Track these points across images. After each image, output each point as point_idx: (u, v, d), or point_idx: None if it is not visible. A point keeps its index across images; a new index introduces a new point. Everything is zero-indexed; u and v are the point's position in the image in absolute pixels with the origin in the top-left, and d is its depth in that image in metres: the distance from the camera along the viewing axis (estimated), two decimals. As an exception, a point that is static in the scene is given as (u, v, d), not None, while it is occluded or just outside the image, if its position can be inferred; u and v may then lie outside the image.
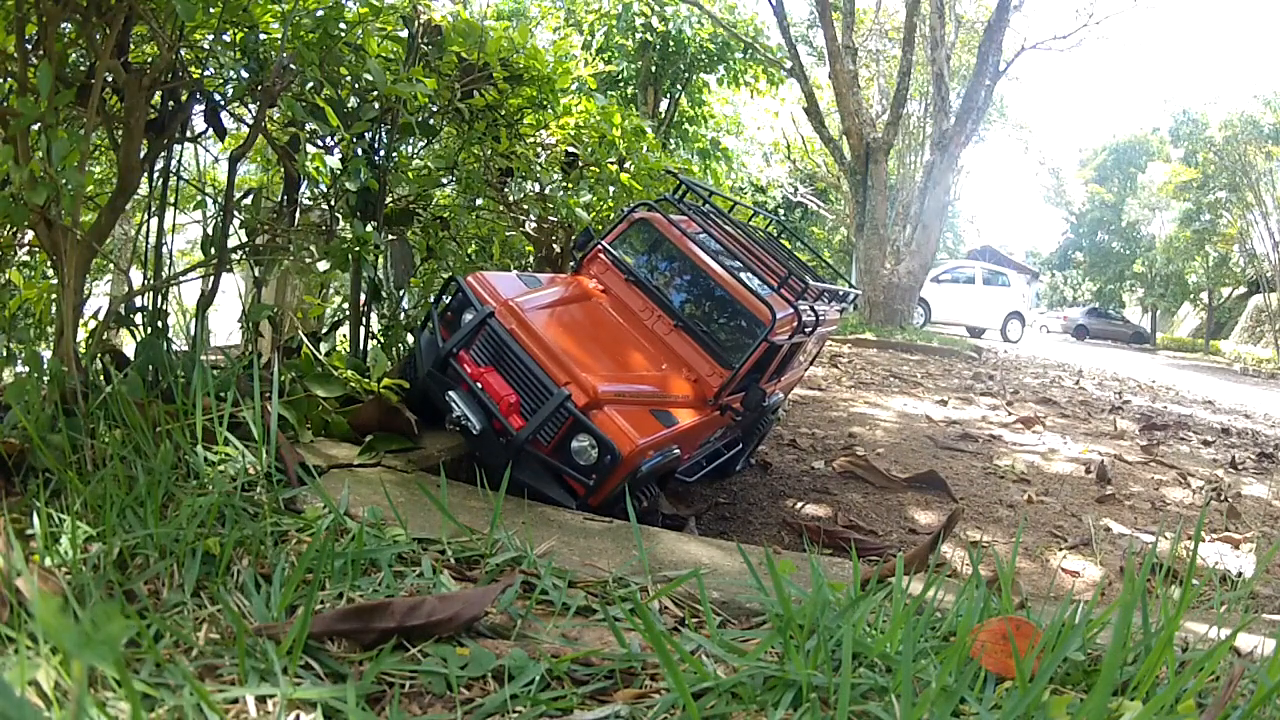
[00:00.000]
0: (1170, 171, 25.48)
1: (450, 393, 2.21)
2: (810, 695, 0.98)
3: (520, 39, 3.05)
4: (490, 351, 2.28)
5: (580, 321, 2.52)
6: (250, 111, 2.52)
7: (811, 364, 3.77)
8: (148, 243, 2.30)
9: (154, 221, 2.30)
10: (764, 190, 20.33)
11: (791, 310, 2.69)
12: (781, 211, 21.12)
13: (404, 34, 2.71)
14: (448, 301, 2.46)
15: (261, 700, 0.92)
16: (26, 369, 1.79)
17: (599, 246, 2.82)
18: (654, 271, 2.82)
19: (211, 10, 2.06)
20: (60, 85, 1.75)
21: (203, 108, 2.28)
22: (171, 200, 2.36)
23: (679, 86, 12.79)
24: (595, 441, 2.10)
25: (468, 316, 2.36)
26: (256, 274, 2.56)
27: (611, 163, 3.79)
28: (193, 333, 2.19)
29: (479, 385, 2.20)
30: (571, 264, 2.94)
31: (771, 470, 3.45)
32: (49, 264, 2.08)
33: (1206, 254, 25.43)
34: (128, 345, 2.26)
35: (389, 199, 2.98)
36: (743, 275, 2.81)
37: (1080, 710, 0.78)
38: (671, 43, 11.91)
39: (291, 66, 2.21)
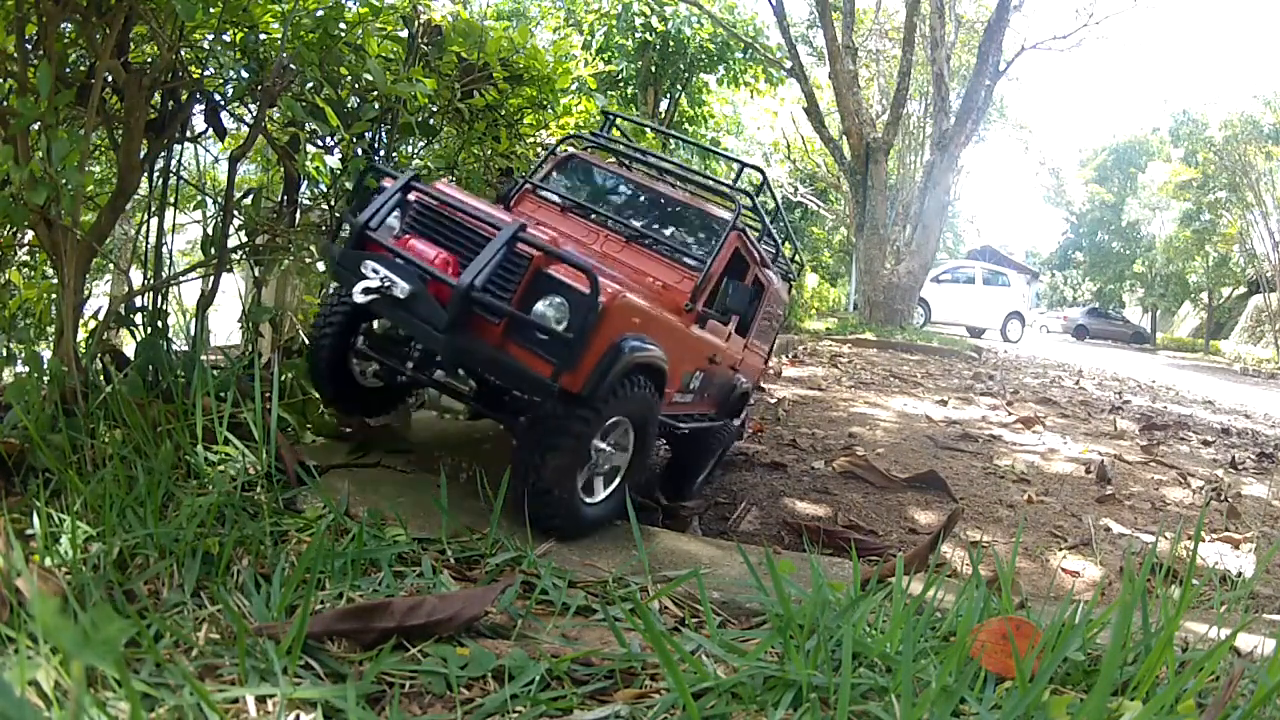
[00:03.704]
0: (1170, 171, 25.48)
1: (366, 261, 1.76)
2: (810, 695, 0.98)
3: (520, 39, 3.05)
4: (415, 220, 1.91)
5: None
6: (250, 111, 2.52)
7: (770, 352, 3.49)
8: (148, 243, 2.30)
9: (154, 221, 2.30)
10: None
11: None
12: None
13: (404, 34, 2.71)
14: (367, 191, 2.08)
15: (261, 700, 0.92)
16: (26, 369, 1.79)
17: (527, 186, 2.51)
18: (593, 198, 2.52)
19: (211, 10, 2.06)
20: (60, 85, 1.75)
21: (203, 108, 2.28)
22: (171, 200, 2.36)
23: (679, 86, 12.79)
24: (565, 298, 1.66)
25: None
26: (256, 274, 2.56)
27: (611, 163, 3.79)
28: (193, 333, 2.19)
29: (403, 251, 1.77)
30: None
31: (773, 470, 3.45)
32: (49, 264, 2.08)
33: (1206, 254, 25.44)
34: (128, 345, 2.26)
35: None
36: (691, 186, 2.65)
37: (1080, 710, 0.78)
38: (671, 43, 11.91)
39: (291, 66, 2.21)
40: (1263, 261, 22.75)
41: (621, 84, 12.18)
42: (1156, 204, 29.51)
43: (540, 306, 1.68)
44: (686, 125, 13.42)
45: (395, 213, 1.92)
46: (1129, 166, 32.13)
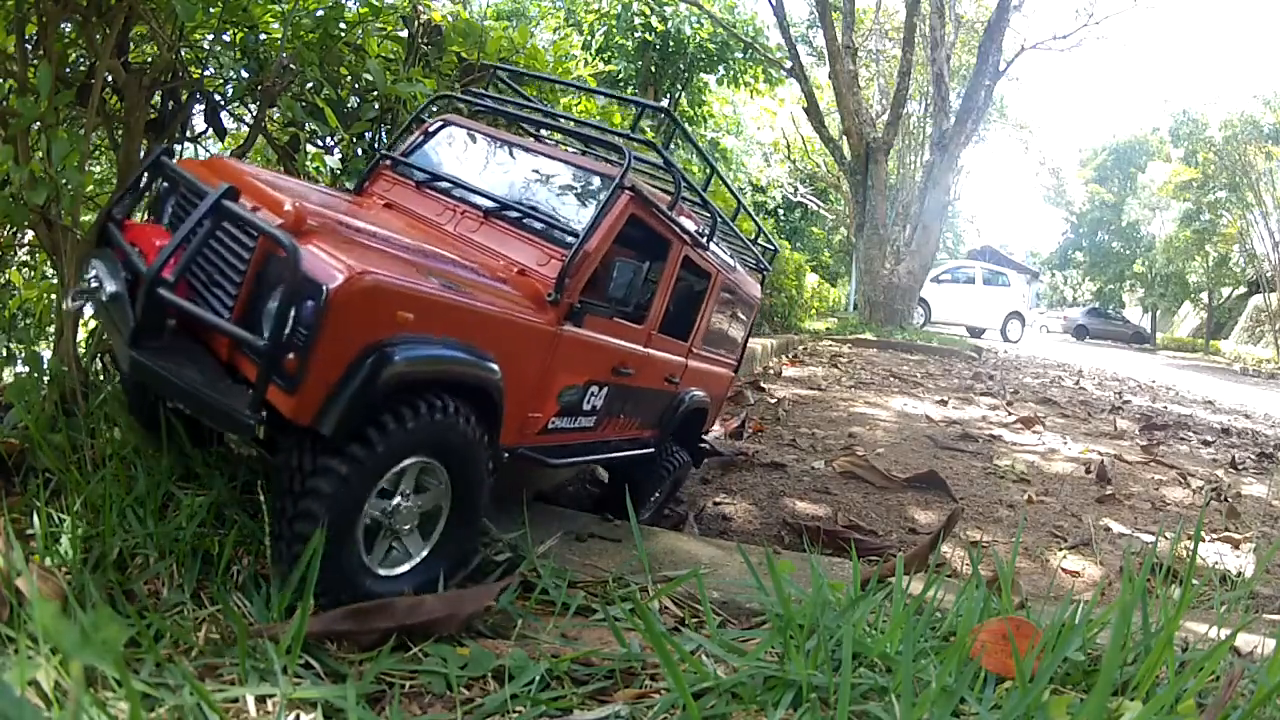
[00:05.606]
0: (1170, 171, 25.49)
1: (91, 260, 1.44)
2: (810, 695, 0.98)
3: (520, 39, 3.05)
4: (176, 206, 1.55)
5: (342, 213, 1.49)
6: (250, 111, 2.52)
7: (740, 359, 2.93)
8: (148, 243, 2.30)
9: (154, 221, 2.30)
10: (764, 190, 20.33)
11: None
12: (781, 212, 21.08)
13: (404, 34, 2.71)
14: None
15: (261, 700, 0.92)
16: (26, 369, 1.79)
17: (385, 162, 2.09)
18: (463, 170, 2.06)
19: (211, 10, 2.06)
20: (60, 85, 1.75)
21: (203, 108, 2.28)
22: (171, 200, 2.35)
23: (679, 86, 12.80)
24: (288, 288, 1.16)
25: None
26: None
27: (611, 163, 3.79)
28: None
29: (126, 244, 1.43)
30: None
31: (773, 470, 3.45)
32: (49, 264, 2.08)
33: (1206, 254, 25.45)
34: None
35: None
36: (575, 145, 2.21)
37: (1080, 710, 0.78)
38: (671, 43, 11.92)
39: (291, 66, 2.21)
40: (1263, 261, 22.77)
41: (621, 84, 12.18)
42: (1156, 204, 29.54)
43: (274, 303, 1.19)
44: (687, 125, 13.41)
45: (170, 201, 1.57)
46: (1129, 166, 32.14)
